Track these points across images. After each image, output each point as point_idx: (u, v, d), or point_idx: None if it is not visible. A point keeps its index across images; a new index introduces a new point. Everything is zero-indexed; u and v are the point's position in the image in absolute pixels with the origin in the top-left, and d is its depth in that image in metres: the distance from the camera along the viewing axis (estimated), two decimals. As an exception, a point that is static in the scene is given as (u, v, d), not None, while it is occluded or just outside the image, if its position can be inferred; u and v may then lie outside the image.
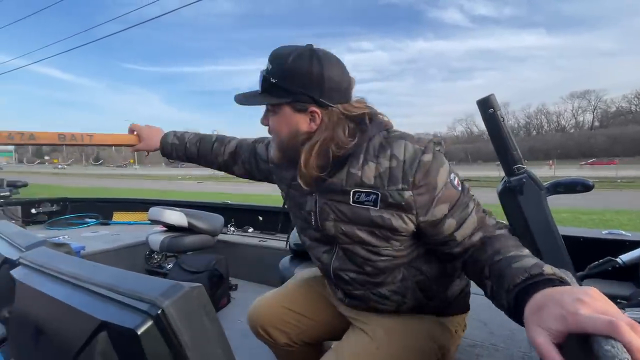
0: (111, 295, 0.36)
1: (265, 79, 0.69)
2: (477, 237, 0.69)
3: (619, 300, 1.21)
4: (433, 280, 0.78)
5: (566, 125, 64.57)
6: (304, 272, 1.04)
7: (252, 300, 1.01)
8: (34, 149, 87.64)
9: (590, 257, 1.28)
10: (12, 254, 0.58)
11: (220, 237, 2.50)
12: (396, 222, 0.69)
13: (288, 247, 1.60)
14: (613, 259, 1.24)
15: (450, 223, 0.68)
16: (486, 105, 0.84)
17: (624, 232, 1.62)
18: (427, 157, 0.66)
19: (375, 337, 0.77)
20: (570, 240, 1.56)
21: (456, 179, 0.70)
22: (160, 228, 2.38)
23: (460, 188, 0.69)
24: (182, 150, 1.09)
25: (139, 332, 0.31)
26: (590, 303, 0.40)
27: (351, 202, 0.71)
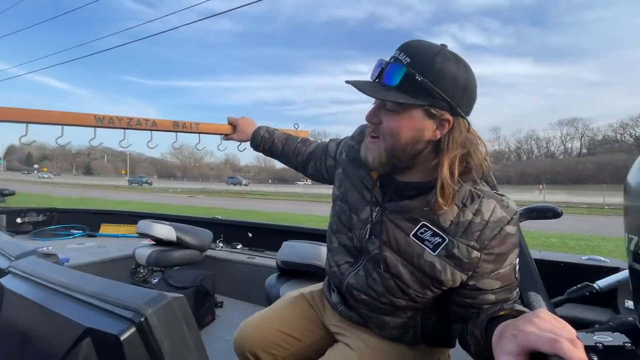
0: (97, 303, 0.38)
1: (408, 74, 0.61)
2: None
3: (597, 326, 1.24)
4: (438, 326, 0.77)
5: (555, 151, 66.33)
6: (291, 293, 1.03)
7: (237, 319, 1.01)
8: (23, 157, 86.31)
9: (570, 282, 1.32)
10: (2, 263, 0.59)
11: (209, 252, 2.49)
12: (445, 275, 0.65)
13: (276, 264, 1.61)
14: (590, 284, 1.28)
15: (490, 298, 0.66)
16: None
17: (602, 258, 1.67)
18: (510, 229, 0.65)
19: (360, 352, 0.78)
20: (550, 265, 1.61)
21: (517, 266, 0.69)
22: (147, 242, 2.37)
23: (516, 274, 0.69)
24: (269, 144, 1.15)
25: (122, 338, 0.33)
26: (538, 323, 0.45)
27: (410, 234, 0.68)
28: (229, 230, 2.94)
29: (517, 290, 0.70)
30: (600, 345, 0.71)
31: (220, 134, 1.26)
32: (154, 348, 0.35)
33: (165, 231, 2.17)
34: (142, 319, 0.34)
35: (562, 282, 1.32)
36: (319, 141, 1.12)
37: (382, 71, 0.64)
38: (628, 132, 56.47)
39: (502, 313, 0.58)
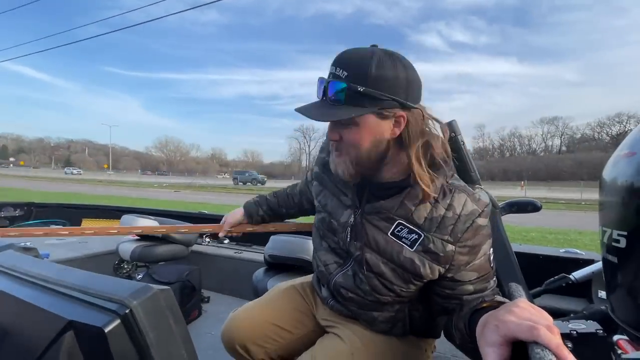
0: (79, 296, 0.37)
1: (351, 88, 0.62)
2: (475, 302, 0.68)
3: (572, 315, 1.30)
4: (424, 317, 0.80)
5: (537, 148, 68.21)
6: (282, 284, 1.02)
7: (224, 313, 0.99)
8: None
9: (548, 274, 1.37)
10: (-24, 257, 0.57)
11: (195, 247, 2.46)
12: (424, 270, 0.68)
13: (264, 258, 1.61)
14: (567, 275, 1.33)
15: (468, 289, 0.68)
16: (448, 130, 0.91)
17: (578, 251, 1.74)
18: (482, 222, 0.67)
19: (351, 343, 0.78)
20: (529, 258, 1.67)
21: (492, 255, 0.71)
22: (132, 237, 2.32)
23: (491, 265, 0.71)
24: (264, 204, 1.15)
25: (106, 330, 0.33)
26: (517, 312, 0.46)
27: (389, 233, 0.70)
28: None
29: (495, 279, 0.72)
30: (575, 332, 0.75)
31: (215, 231, 1.25)
32: (140, 340, 0.34)
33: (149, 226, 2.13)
34: (127, 311, 0.34)
35: (540, 273, 1.37)
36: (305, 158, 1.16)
37: (326, 89, 0.65)
38: (605, 131, 58.64)
39: (484, 305, 0.60)
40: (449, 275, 0.68)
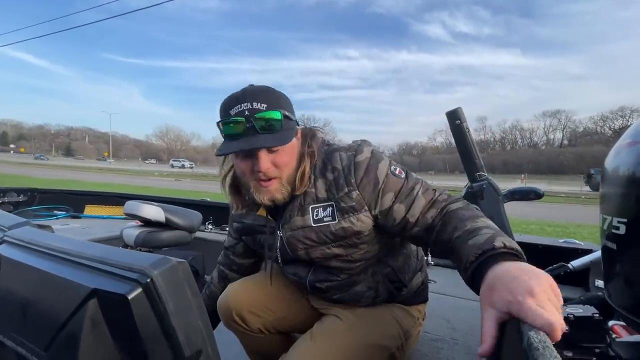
0: (102, 267, 0.39)
1: (284, 115, 0.71)
2: (431, 214, 0.71)
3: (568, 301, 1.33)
4: (399, 271, 0.86)
5: (538, 141, 67.86)
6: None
7: None
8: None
9: (547, 263, 1.40)
10: (-6, 234, 0.59)
11: (198, 234, 2.48)
12: (358, 226, 0.75)
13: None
14: (565, 264, 1.36)
15: (399, 208, 0.73)
16: (454, 117, 0.92)
17: (577, 241, 1.76)
18: (360, 158, 0.75)
19: (347, 320, 0.83)
20: (530, 247, 1.69)
21: (397, 169, 0.76)
22: (135, 223, 2.34)
23: (403, 176, 0.76)
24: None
25: (129, 297, 0.34)
26: (539, 297, 0.41)
27: (312, 224, 0.77)
28: (218, 213, 2.93)
29: (423, 184, 0.75)
30: (572, 316, 0.77)
31: None
32: (160, 308, 0.36)
33: (153, 212, 2.14)
34: (148, 280, 0.35)
35: (539, 262, 1.39)
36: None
37: (251, 122, 0.69)
38: (607, 125, 58.21)
39: (489, 254, 0.53)
40: (374, 212, 0.74)
